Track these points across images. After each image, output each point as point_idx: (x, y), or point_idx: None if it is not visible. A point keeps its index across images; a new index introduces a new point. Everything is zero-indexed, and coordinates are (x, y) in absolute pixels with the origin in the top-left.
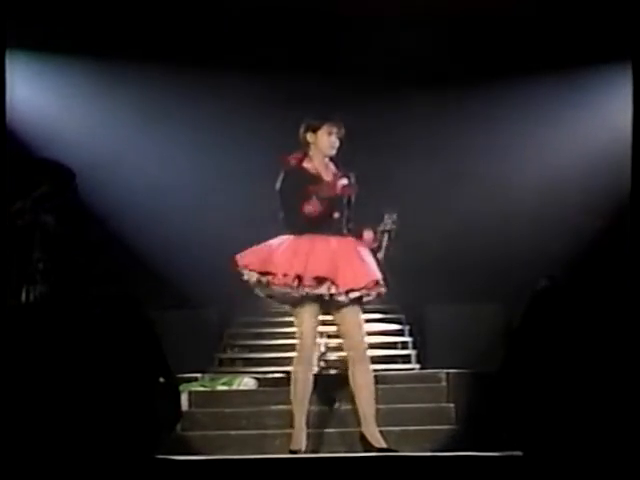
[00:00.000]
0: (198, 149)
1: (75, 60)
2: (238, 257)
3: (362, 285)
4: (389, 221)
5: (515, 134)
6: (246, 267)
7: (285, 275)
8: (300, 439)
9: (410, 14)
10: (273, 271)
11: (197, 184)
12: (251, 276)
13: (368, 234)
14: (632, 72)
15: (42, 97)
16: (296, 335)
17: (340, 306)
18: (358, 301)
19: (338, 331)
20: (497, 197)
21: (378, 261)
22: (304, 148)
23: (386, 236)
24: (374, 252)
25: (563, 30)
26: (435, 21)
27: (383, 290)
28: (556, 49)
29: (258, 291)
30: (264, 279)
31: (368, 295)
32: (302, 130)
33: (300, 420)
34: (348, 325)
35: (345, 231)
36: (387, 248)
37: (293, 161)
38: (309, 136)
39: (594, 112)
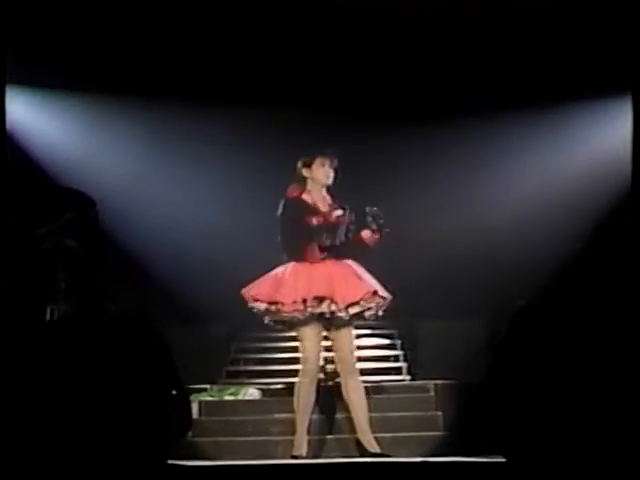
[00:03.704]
0: (207, 176)
1: (75, 95)
2: (244, 291)
3: (359, 297)
4: (371, 212)
5: (507, 162)
6: (254, 299)
7: (294, 302)
8: (301, 445)
9: (408, 45)
10: (281, 300)
11: (206, 210)
12: (259, 307)
13: (366, 233)
14: (632, 106)
15: (45, 132)
16: (300, 350)
17: (341, 324)
18: (360, 317)
19: (332, 346)
20: (486, 221)
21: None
22: (302, 183)
23: (376, 224)
24: (377, 244)
25: (562, 63)
26: (433, 51)
27: (381, 301)
28: (555, 82)
29: (267, 319)
30: (273, 307)
31: (369, 309)
32: (299, 167)
33: (302, 428)
34: (340, 340)
35: (341, 256)
36: (384, 232)
37: (293, 193)
38: (305, 171)
39: (593, 145)
